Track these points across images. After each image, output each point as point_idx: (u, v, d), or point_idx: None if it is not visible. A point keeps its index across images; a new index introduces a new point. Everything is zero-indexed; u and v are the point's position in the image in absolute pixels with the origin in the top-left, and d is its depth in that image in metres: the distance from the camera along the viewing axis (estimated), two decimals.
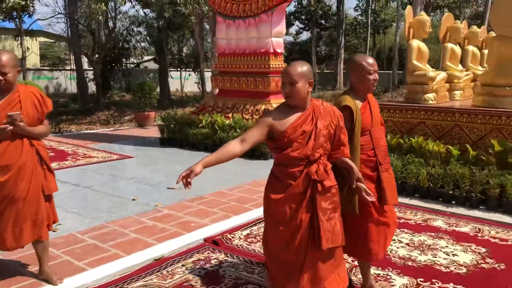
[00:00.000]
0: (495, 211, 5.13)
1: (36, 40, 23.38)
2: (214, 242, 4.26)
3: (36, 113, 3.34)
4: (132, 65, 25.52)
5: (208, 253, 4.02)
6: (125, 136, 11.40)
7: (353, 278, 3.50)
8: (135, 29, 23.14)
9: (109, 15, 18.42)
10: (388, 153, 3.46)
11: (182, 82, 24.64)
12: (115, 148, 9.48)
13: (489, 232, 4.55)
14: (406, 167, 5.73)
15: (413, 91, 6.90)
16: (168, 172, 7.27)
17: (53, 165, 6.83)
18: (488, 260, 3.87)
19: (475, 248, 4.12)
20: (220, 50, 10.26)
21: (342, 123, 2.73)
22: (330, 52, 34.45)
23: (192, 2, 15.91)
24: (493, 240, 4.33)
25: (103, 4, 14.78)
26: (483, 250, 4.09)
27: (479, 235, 4.47)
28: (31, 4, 16.73)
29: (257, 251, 4.05)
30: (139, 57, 25.62)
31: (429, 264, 3.79)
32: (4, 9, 15.78)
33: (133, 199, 5.70)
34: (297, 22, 33.93)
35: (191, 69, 25.05)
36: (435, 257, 3.93)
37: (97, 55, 18.42)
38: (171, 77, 23.18)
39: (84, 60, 20.77)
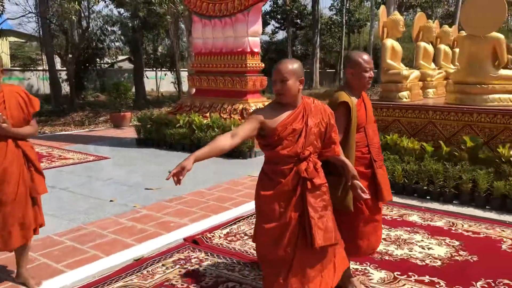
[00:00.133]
0: (468, 206, 5.27)
1: (6, 40, 22.83)
2: (194, 242, 4.26)
3: (21, 114, 3.27)
4: (106, 65, 25.19)
5: (188, 253, 4.03)
6: (101, 137, 11.26)
7: None
8: (109, 28, 22.89)
9: (82, 14, 18.13)
10: None
11: (158, 82, 24.45)
12: (91, 149, 9.36)
13: (462, 225, 4.68)
14: None
15: (388, 89, 7.03)
16: (145, 172, 7.23)
17: None
18: (461, 252, 3.99)
19: (449, 242, 4.24)
20: (196, 50, 10.23)
21: (333, 121, 2.71)
22: (306, 51, 34.71)
23: (167, 1, 15.82)
24: (466, 234, 4.46)
25: (76, 3, 14.54)
26: (457, 243, 4.21)
27: (453, 229, 4.60)
28: (0, 3, 16.33)
29: (237, 249, 4.07)
30: (114, 57, 25.31)
31: (405, 258, 3.88)
32: None
33: (111, 200, 5.65)
34: (273, 22, 34.14)
35: (166, 69, 24.88)
36: (411, 251, 4.03)
37: (70, 55, 18.11)
38: (147, 77, 22.98)
39: (57, 60, 20.39)
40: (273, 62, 28.72)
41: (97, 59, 22.82)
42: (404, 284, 3.39)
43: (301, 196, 2.56)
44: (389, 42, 7.16)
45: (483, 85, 6.01)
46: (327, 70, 35.70)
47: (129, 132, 11.54)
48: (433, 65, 8.61)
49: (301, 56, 35.87)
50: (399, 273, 3.58)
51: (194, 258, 3.91)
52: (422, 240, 4.28)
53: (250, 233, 4.47)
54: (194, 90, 10.67)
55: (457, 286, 3.36)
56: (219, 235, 4.43)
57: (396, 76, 6.90)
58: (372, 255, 3.65)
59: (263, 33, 29.88)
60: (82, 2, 16.47)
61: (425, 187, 5.57)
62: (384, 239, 4.28)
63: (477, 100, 6.02)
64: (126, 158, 8.49)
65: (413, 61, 8.77)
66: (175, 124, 9.25)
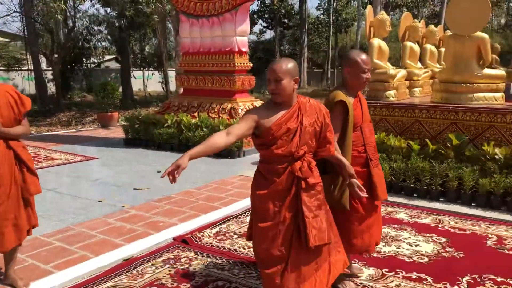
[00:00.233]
0: (454, 203, 5.35)
1: None
2: (183, 241, 4.26)
3: (12, 113, 3.23)
4: (93, 65, 24.94)
5: (177, 252, 4.03)
6: (88, 137, 11.17)
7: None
8: (95, 28, 22.62)
9: (68, 14, 17.95)
10: None
11: (145, 81, 24.31)
12: (78, 150, 9.29)
13: (449, 222, 4.75)
14: None
15: (375, 88, 7.08)
16: (133, 172, 7.20)
17: None
18: (448, 249, 4.05)
19: (436, 238, 4.31)
20: (184, 49, 10.21)
21: (329, 121, 2.70)
22: (294, 51, 34.80)
23: (154, 0, 15.74)
24: (452, 230, 4.53)
25: (61, 2, 14.39)
26: (443, 240, 4.27)
27: (440, 225, 4.66)
28: None
29: (226, 248, 4.08)
30: (100, 57, 25.04)
31: (393, 255, 3.93)
32: None
33: (99, 201, 5.62)
34: (260, 21, 34.18)
35: (154, 69, 24.75)
36: (399, 248, 4.08)
37: (56, 55, 17.91)
38: (134, 77, 22.83)
39: (43, 60, 20.14)
40: (261, 61, 28.83)
41: (84, 59, 22.57)
42: (392, 281, 3.44)
43: (296, 196, 2.57)
44: (376, 42, 7.22)
45: (468, 84, 6.10)
46: (315, 70, 35.86)
47: (116, 132, 11.47)
48: (419, 64, 8.71)
49: (289, 56, 35.90)
50: (387, 270, 3.62)
51: (184, 257, 3.91)
52: (409, 237, 4.33)
53: (240, 232, 4.48)
54: (182, 90, 10.64)
55: (444, 282, 3.41)
56: (208, 235, 4.44)
57: (383, 76, 6.96)
58: (370, 253, 3.68)
59: (250, 32, 29.89)
60: (68, 1, 16.32)
61: (412, 185, 5.63)
62: None
63: (462, 99, 6.10)
64: (114, 158, 8.45)
65: (400, 61, 8.85)
66: (163, 124, 9.22)
